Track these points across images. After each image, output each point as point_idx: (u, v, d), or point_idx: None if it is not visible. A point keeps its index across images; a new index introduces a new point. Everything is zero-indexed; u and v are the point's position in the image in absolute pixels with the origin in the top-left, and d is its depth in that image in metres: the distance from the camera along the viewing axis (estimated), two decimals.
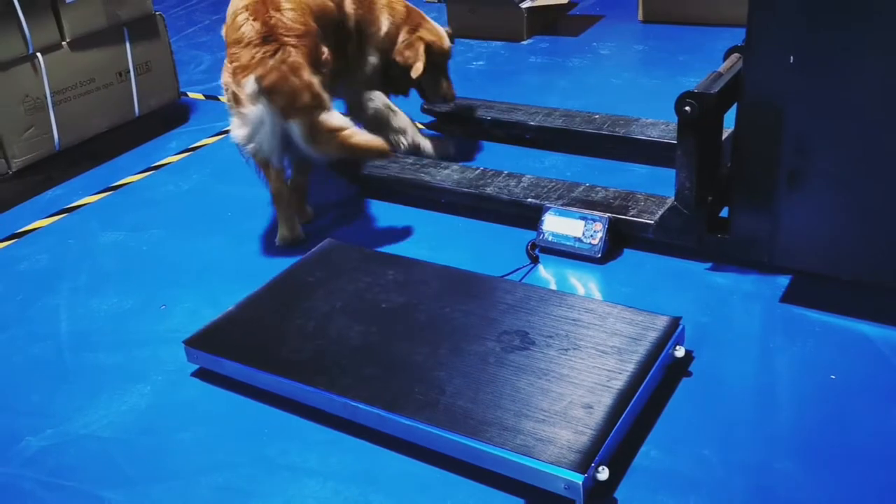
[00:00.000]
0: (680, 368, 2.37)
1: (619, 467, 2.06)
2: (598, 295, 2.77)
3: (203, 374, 2.53)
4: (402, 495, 2.07)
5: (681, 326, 2.37)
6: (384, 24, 3.50)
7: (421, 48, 3.53)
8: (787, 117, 2.43)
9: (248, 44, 2.86)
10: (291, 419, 2.33)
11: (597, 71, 4.77)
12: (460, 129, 4.00)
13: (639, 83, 4.56)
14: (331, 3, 3.24)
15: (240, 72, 2.86)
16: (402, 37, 3.54)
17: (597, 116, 3.74)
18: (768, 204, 2.56)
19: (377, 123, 3.55)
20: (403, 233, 3.23)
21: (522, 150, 3.77)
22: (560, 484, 1.93)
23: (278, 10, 2.92)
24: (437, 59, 3.61)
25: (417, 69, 3.50)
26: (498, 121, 3.84)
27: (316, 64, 2.98)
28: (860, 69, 2.29)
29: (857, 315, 2.52)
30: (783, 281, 2.71)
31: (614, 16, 5.69)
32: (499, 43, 5.32)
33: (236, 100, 2.91)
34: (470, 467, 2.08)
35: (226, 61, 2.96)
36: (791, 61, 2.35)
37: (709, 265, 2.83)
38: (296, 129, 2.86)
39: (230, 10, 3.02)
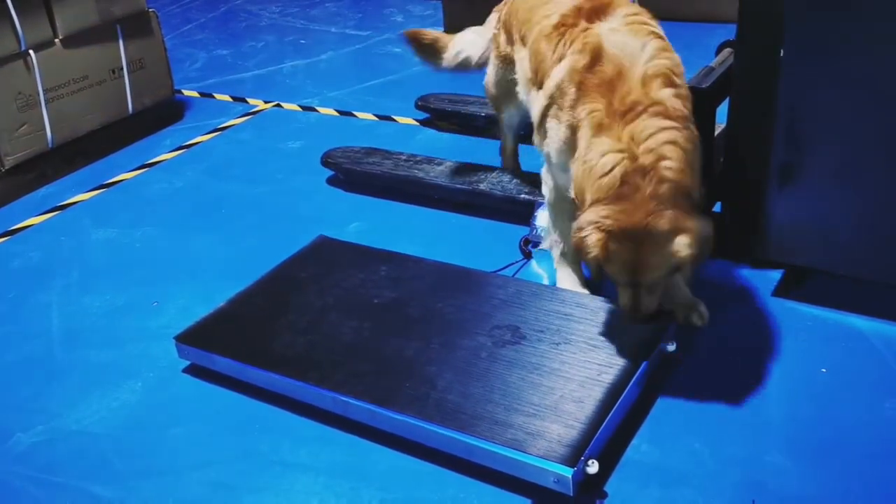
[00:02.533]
0: (672, 362, 2.37)
1: (610, 461, 2.06)
2: (590, 289, 2.76)
3: (194, 371, 2.53)
4: (392, 490, 2.07)
5: (672, 321, 2.36)
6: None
7: (595, 238, 2.12)
8: (778, 111, 2.42)
9: None
10: (283, 415, 2.33)
11: None
12: (455, 126, 4.00)
13: None
14: None
15: None
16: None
17: None
18: (760, 198, 2.56)
19: None
20: (396, 228, 3.23)
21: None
22: (550, 478, 1.93)
23: None
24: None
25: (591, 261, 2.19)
26: (492, 117, 3.82)
27: None
28: (851, 63, 2.29)
29: (848, 309, 2.52)
30: (775, 275, 2.71)
31: None
32: None
33: None
34: (460, 461, 2.08)
35: None
36: (781, 55, 2.35)
37: None
38: None
39: None
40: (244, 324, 2.54)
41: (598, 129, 2.17)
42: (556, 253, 2.71)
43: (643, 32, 2.31)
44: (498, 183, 3.20)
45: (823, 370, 2.32)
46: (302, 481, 2.11)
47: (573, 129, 2.28)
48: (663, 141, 2.10)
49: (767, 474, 2.01)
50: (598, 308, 2.44)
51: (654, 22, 2.41)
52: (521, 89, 2.84)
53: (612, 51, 2.23)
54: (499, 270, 2.83)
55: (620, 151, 2.11)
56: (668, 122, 2.13)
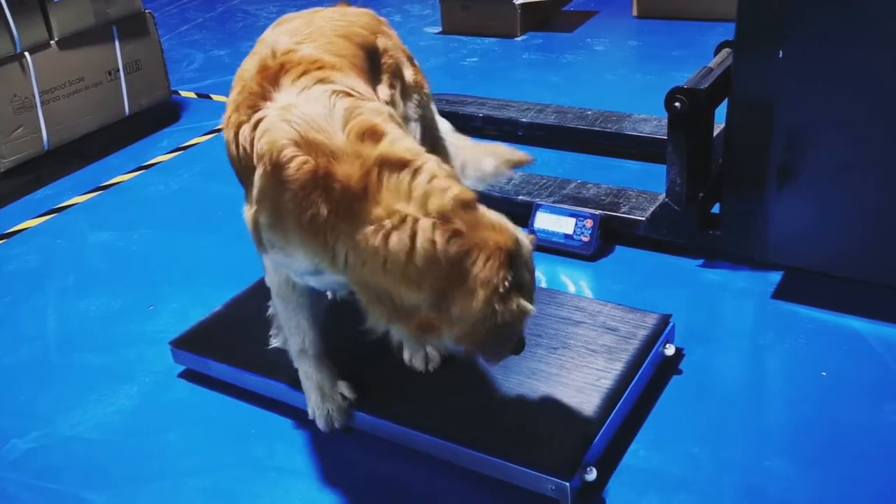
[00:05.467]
0: (670, 366, 2.35)
1: (608, 467, 2.05)
2: (588, 293, 2.75)
3: (190, 375, 2.51)
4: (390, 497, 2.05)
5: (671, 324, 2.35)
6: None
7: None
8: (777, 113, 2.41)
9: None
10: (279, 420, 2.31)
11: (591, 67, 4.74)
12: (453, 125, 3.98)
13: (633, 79, 4.54)
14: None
15: None
16: None
17: (589, 112, 3.72)
18: (759, 200, 2.54)
19: None
20: None
21: (514, 146, 3.75)
22: (548, 485, 1.91)
23: None
24: None
25: None
26: (490, 118, 3.81)
27: None
28: (850, 64, 2.27)
29: (848, 311, 2.51)
30: (775, 277, 2.70)
31: (609, 11, 5.67)
32: (493, 39, 5.29)
33: None
34: (457, 469, 2.06)
35: None
36: (780, 56, 2.33)
37: (700, 262, 2.81)
38: None
39: None
40: (240, 329, 2.52)
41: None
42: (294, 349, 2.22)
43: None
44: (495, 184, 3.18)
45: (823, 373, 2.30)
46: (298, 487, 2.10)
47: None
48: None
49: (767, 479, 2.00)
50: (596, 312, 2.42)
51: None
52: None
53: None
54: None
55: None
56: None
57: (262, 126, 1.85)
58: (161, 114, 4.42)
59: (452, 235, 1.69)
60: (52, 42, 3.78)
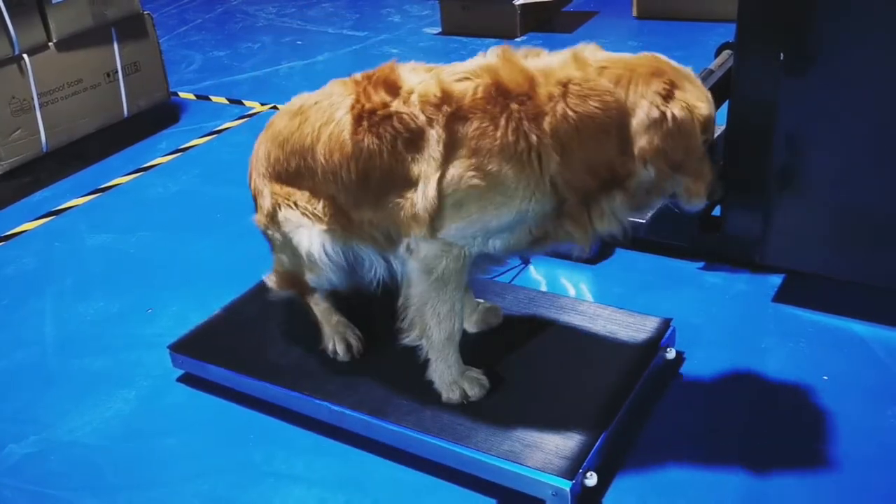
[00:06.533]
0: (671, 370, 2.34)
1: (608, 472, 2.04)
2: (588, 296, 2.74)
3: (189, 379, 2.50)
4: (389, 502, 2.04)
5: (672, 328, 2.34)
6: None
7: None
8: (777, 115, 2.39)
9: None
10: (277, 425, 2.30)
11: None
12: None
13: None
14: None
15: None
16: None
17: None
18: (760, 203, 2.53)
19: None
20: None
21: None
22: (548, 490, 1.90)
23: None
24: None
25: None
26: None
27: None
28: (851, 67, 2.26)
29: (849, 315, 2.50)
30: (775, 280, 2.69)
31: (609, 12, 5.66)
32: (493, 40, 5.28)
33: None
34: (458, 473, 2.05)
35: None
36: (781, 58, 2.32)
37: (701, 265, 2.80)
38: None
39: None
40: (239, 332, 2.51)
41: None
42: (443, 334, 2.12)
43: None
44: None
45: (825, 377, 2.29)
46: (296, 493, 2.09)
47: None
48: None
49: (768, 484, 1.99)
50: (596, 315, 2.41)
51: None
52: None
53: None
54: (496, 276, 2.79)
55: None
56: None
57: (423, 85, 1.96)
58: (160, 115, 4.41)
59: (599, 75, 1.87)
60: (50, 44, 3.77)
